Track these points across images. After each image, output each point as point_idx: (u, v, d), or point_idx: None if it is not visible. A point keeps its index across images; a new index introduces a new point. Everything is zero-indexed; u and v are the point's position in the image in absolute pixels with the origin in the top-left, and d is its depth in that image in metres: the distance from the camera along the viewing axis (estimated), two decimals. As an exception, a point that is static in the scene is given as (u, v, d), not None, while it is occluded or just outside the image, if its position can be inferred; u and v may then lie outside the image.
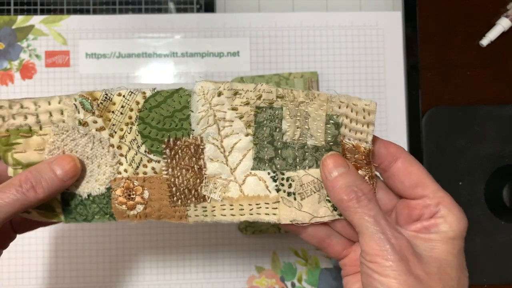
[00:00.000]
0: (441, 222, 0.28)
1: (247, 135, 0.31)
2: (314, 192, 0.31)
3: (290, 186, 0.31)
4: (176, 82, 0.49)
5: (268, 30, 0.50)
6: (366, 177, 0.30)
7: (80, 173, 0.30)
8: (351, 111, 0.30)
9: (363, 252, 0.27)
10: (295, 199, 0.31)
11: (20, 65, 0.49)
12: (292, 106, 0.30)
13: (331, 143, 0.30)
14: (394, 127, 0.50)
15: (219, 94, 0.30)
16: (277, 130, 0.30)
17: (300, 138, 0.31)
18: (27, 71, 0.49)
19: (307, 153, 0.31)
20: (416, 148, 0.50)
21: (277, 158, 0.31)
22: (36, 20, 0.49)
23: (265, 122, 0.30)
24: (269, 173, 0.31)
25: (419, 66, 0.51)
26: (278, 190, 0.31)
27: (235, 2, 0.51)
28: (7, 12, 0.49)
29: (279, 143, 0.31)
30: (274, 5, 0.51)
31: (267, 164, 0.31)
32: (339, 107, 0.30)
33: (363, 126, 0.30)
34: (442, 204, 0.28)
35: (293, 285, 0.48)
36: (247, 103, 0.30)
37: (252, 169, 0.31)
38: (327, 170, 0.29)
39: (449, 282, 0.27)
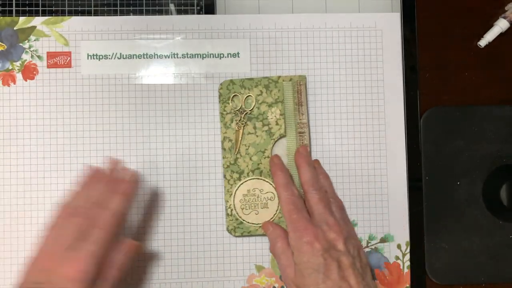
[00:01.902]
0: None
1: None
2: None
3: None
4: (176, 83, 0.49)
5: (267, 32, 0.50)
6: None
7: None
8: None
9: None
10: None
11: (22, 66, 0.49)
12: None
13: None
14: (392, 128, 0.50)
15: None
16: None
17: None
18: (29, 72, 0.49)
19: None
20: (414, 148, 0.50)
21: None
22: (37, 21, 0.49)
23: None
24: None
25: (417, 67, 0.51)
26: None
27: (235, 3, 0.51)
28: (9, 13, 0.50)
29: None
30: (274, 6, 0.51)
31: None
32: None
33: None
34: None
35: (292, 284, 0.49)
36: None
37: None
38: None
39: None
